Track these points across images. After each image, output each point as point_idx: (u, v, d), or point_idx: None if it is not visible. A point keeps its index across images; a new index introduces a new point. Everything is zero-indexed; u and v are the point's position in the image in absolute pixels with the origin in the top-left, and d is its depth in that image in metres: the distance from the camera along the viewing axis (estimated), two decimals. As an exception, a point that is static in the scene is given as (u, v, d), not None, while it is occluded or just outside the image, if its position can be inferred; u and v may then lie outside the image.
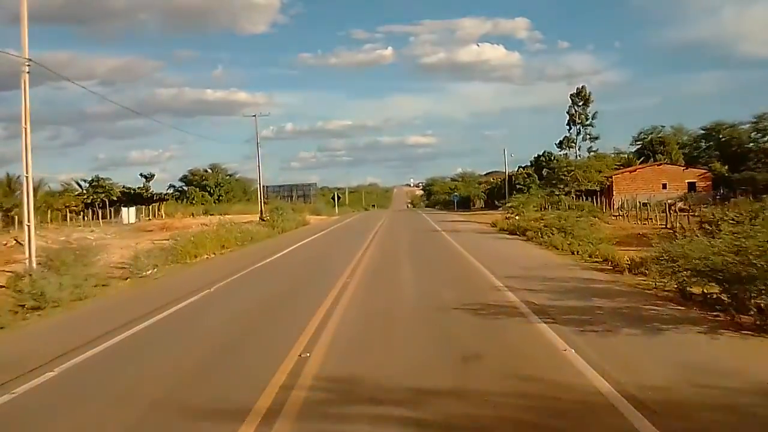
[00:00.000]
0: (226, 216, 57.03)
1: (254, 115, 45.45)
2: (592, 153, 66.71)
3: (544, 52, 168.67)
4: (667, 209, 28.53)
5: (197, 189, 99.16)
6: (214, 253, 19.85)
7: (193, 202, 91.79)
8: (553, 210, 31.13)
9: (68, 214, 49.35)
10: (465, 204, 79.66)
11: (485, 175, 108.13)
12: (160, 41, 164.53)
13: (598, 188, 48.95)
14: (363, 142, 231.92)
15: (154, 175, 65.23)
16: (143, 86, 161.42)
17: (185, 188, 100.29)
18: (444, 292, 10.31)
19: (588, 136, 70.75)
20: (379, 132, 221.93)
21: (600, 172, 48.83)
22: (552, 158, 61.96)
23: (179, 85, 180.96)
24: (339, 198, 63.29)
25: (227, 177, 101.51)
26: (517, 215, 32.45)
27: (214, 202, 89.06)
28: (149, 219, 52.82)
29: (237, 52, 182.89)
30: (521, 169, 68.58)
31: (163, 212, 58.47)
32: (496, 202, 74.76)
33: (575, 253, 15.93)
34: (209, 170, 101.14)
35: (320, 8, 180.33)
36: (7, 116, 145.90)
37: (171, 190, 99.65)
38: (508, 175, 65.59)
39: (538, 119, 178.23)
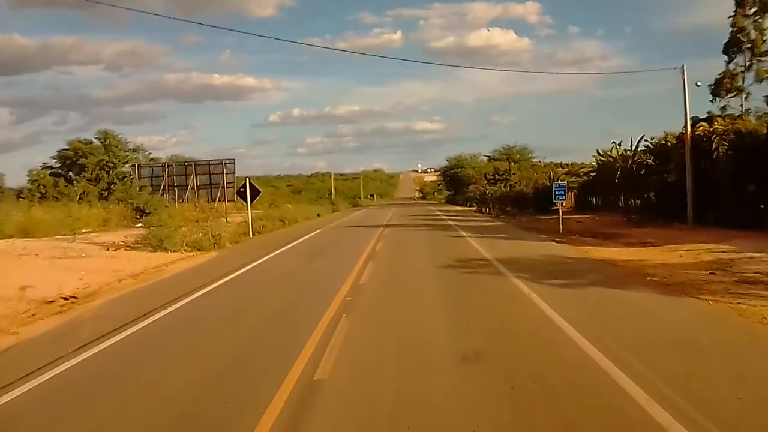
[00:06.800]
0: None
1: None
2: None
3: (554, 37, 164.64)
4: None
5: (63, 175, 59.75)
6: None
7: (44, 195, 52.46)
8: None
9: None
10: (540, 201, 39.66)
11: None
12: (167, 25, 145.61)
13: None
14: (370, 127, 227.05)
15: None
16: (150, 71, 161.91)
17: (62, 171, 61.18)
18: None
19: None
20: (386, 117, 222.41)
21: None
22: None
23: (186, 69, 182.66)
24: (255, 193, 22.74)
25: (128, 153, 61.09)
26: None
27: (102, 194, 49.79)
28: None
29: (244, 36, 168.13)
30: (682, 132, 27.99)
31: None
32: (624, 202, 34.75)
33: None
34: (97, 141, 61.29)
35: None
36: (14, 100, 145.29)
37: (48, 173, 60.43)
38: (692, 138, 25.37)
39: (547, 105, 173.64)
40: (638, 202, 32.83)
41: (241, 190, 25.98)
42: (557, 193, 23.66)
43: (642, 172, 32.88)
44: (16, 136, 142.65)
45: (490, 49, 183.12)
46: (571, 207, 42.63)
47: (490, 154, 70.85)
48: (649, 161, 33.00)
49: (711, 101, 34.27)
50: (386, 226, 28.30)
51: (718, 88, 34.58)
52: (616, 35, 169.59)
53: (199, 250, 19.98)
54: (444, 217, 36.02)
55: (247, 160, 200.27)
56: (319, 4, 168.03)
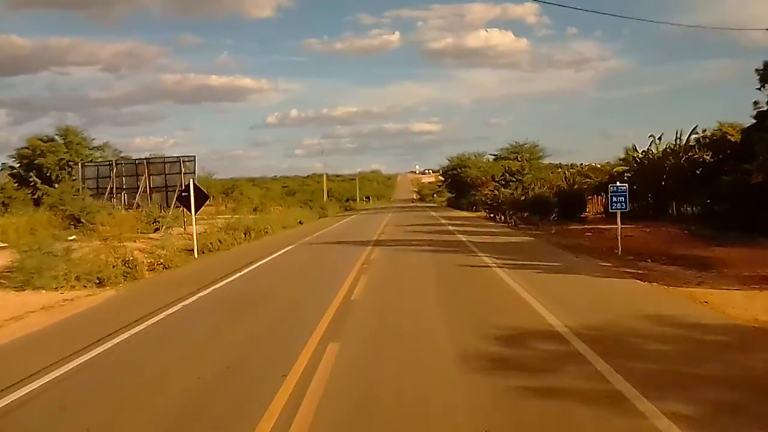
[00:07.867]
0: None
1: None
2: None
3: (552, 38, 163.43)
4: None
5: (16, 177, 54.52)
6: None
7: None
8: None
9: None
10: (564, 207, 33.57)
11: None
12: (164, 26, 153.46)
13: None
14: (368, 129, 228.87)
15: None
16: (148, 72, 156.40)
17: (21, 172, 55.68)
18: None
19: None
20: (384, 119, 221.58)
21: None
22: None
23: (184, 71, 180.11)
24: (203, 198, 16.21)
25: (93, 151, 55.05)
26: None
27: (60, 202, 43.08)
28: None
29: (242, 37, 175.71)
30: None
31: None
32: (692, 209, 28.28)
33: None
34: (58, 138, 55.34)
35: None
36: (11, 102, 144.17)
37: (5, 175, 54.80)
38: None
39: (545, 107, 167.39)
40: (695, 208, 26.41)
41: (183, 194, 19.39)
42: (614, 199, 16.79)
43: (698, 172, 26.50)
44: (13, 138, 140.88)
45: (489, 49, 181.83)
46: (598, 213, 36.24)
47: (496, 153, 64.21)
48: (706, 158, 26.66)
49: (759, 89, 27.82)
50: (376, 242, 21.54)
51: (765, 73, 28.28)
52: (614, 36, 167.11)
53: (99, 283, 13.47)
54: (451, 227, 29.27)
55: (245, 161, 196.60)
56: (318, 5, 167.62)
